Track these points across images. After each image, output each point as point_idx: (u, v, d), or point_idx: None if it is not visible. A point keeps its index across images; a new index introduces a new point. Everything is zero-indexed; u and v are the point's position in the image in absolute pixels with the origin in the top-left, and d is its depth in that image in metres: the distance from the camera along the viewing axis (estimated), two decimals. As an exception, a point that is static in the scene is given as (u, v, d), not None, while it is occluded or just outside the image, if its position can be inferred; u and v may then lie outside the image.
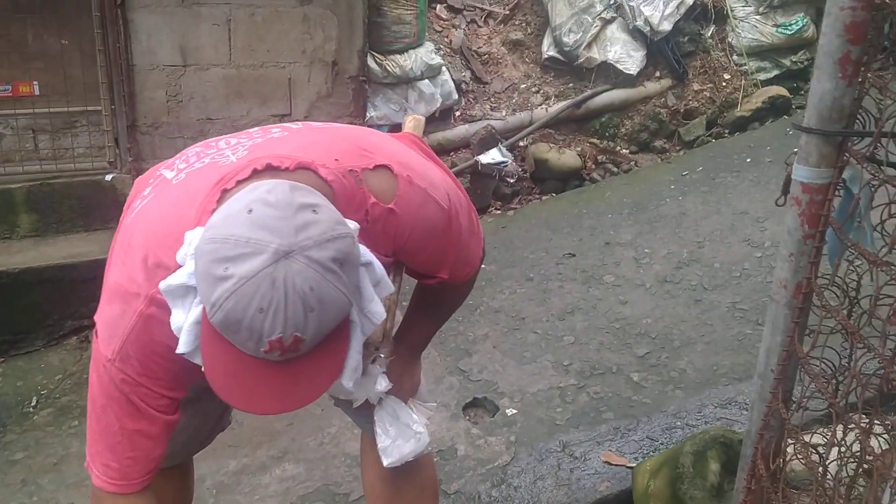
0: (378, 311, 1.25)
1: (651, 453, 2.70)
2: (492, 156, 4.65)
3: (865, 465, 1.22)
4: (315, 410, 3.02)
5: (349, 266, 1.15)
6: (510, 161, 4.74)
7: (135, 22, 3.77)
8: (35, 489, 2.87)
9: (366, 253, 1.24)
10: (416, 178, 1.43)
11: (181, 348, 1.20)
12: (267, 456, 2.90)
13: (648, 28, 5.16)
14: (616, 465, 2.69)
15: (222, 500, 2.73)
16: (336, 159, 1.34)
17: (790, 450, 1.41)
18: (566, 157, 4.97)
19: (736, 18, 5.52)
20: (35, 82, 3.77)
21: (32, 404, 3.36)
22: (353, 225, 1.22)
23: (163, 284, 1.21)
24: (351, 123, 4.54)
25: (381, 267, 1.28)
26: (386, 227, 1.40)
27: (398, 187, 1.40)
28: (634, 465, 2.60)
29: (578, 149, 5.12)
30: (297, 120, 4.36)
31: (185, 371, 1.30)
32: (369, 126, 4.58)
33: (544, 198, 4.90)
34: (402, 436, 1.70)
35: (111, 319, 1.33)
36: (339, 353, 1.20)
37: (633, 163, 5.20)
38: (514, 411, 3.00)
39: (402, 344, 1.73)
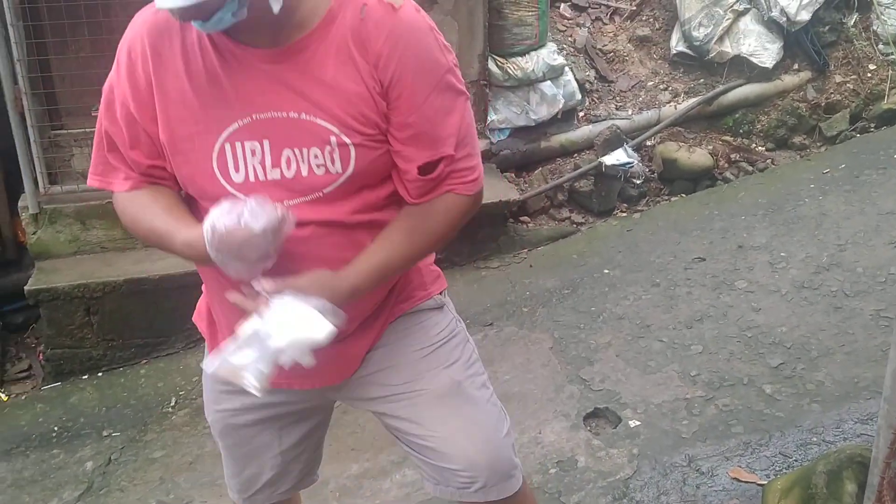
0: None
1: (784, 470, 2.56)
2: (617, 157, 4.54)
3: None
4: (435, 417, 3.03)
5: None
6: (636, 161, 4.61)
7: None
8: (172, 487, 3.02)
9: None
10: (424, 14, 1.44)
11: None
12: (388, 461, 2.93)
13: (785, 18, 4.90)
14: (745, 482, 2.57)
15: (345, 503, 2.79)
16: None
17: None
18: (696, 155, 4.79)
19: (881, 5, 5.17)
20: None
21: (171, 404, 3.53)
22: None
23: None
24: (472, 128, 4.53)
25: None
26: (379, 26, 1.37)
27: (405, 1, 1.42)
28: (765, 482, 2.48)
29: (710, 147, 4.92)
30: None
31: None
32: (490, 129, 4.57)
33: (673, 199, 4.74)
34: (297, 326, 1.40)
35: None
36: None
37: (769, 161, 4.95)
38: (638, 423, 2.91)
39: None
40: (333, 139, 1.39)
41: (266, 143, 1.40)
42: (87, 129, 3.98)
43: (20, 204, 3.95)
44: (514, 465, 1.70)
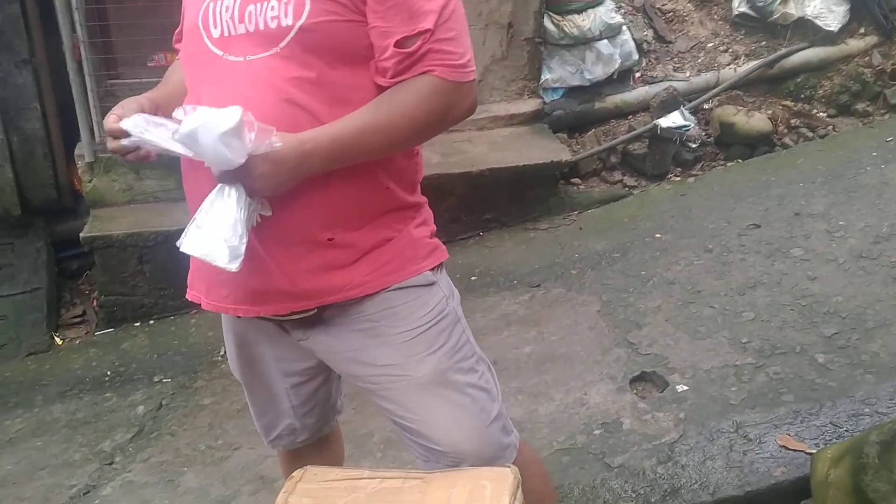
0: None
1: (834, 440, 2.51)
2: (673, 119, 4.45)
3: None
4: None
5: None
6: (693, 125, 4.52)
7: None
8: (220, 433, 3.08)
9: None
10: None
11: None
12: (432, 416, 2.94)
13: (853, -20, 4.74)
14: (794, 451, 2.53)
15: (389, 455, 2.81)
16: None
17: None
18: (755, 120, 4.67)
19: (958, -34, 4.96)
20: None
21: (221, 353, 3.59)
22: None
23: None
24: (525, 87, 4.49)
25: None
26: None
27: None
28: (814, 451, 2.43)
29: (769, 112, 4.80)
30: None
31: None
32: (543, 89, 4.51)
33: (729, 164, 4.64)
34: (213, 233, 1.39)
35: None
36: None
37: (830, 127, 4.81)
38: (685, 388, 2.88)
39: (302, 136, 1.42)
40: None
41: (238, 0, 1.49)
42: (144, 80, 4.01)
43: (76, 152, 4.02)
44: (502, 447, 1.67)
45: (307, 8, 1.42)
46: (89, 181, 3.98)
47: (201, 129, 1.31)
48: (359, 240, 1.54)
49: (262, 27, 1.45)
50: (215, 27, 1.50)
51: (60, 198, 4.24)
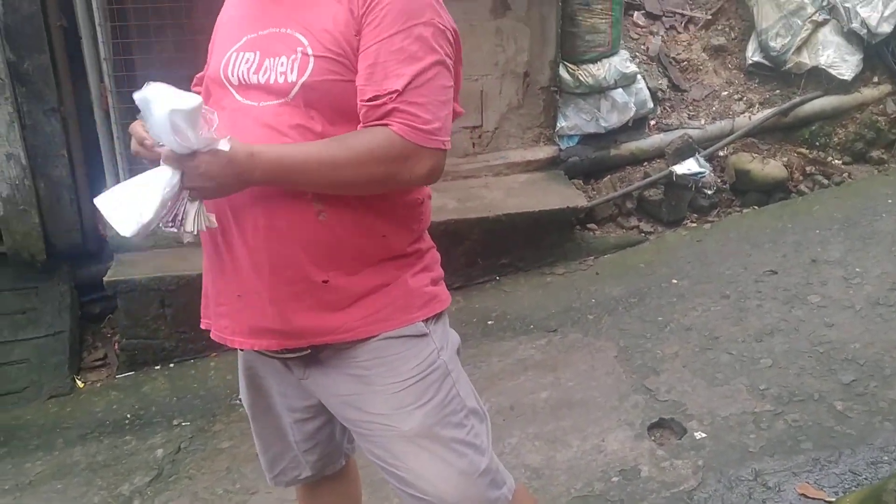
0: None
1: (853, 488, 2.50)
2: (688, 166, 4.49)
3: None
4: (497, 420, 3.04)
5: None
6: (708, 172, 4.56)
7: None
8: (238, 477, 3.09)
9: None
10: None
11: None
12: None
13: (865, 30, 4.79)
14: (813, 499, 2.51)
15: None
16: None
17: None
18: (770, 167, 4.71)
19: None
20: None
21: (239, 397, 3.59)
22: None
23: None
24: (541, 134, 4.55)
25: None
26: None
27: None
28: (833, 499, 2.42)
29: (784, 159, 4.84)
30: (488, 132, 4.43)
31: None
32: (559, 136, 4.57)
33: (745, 211, 4.67)
34: (132, 202, 1.42)
35: None
36: None
37: (845, 174, 4.84)
38: (703, 435, 2.87)
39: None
40: (300, 49, 1.53)
41: (257, 53, 1.59)
42: (167, 128, 4.10)
43: (102, 198, 4.09)
44: (490, 501, 1.68)
45: (310, 67, 1.51)
46: (113, 226, 4.04)
47: (156, 100, 1.37)
48: (354, 284, 1.58)
49: (272, 81, 1.55)
50: (233, 75, 1.60)
51: (85, 242, 4.31)
